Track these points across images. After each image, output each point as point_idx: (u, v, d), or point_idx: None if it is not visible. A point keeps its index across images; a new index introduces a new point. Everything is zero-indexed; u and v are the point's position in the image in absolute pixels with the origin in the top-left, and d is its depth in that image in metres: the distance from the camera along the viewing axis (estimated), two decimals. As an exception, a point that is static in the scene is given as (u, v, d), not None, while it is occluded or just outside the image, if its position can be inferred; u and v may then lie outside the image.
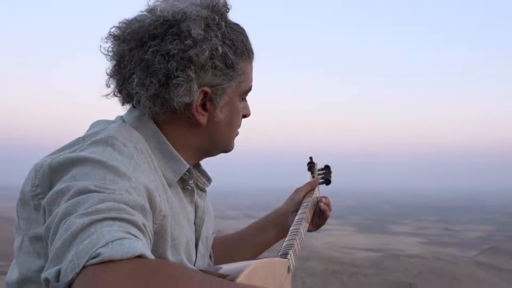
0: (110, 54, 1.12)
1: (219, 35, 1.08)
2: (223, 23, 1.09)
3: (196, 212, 1.23)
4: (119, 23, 1.11)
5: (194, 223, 1.22)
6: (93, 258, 0.70)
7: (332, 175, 1.89)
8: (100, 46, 1.12)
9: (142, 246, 0.75)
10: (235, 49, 1.11)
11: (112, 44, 1.11)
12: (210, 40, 1.06)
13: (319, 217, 1.68)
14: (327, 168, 1.91)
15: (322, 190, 1.87)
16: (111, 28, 1.11)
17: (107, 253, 0.70)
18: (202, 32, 1.05)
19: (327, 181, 1.88)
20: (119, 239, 0.73)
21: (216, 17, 1.09)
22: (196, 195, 1.23)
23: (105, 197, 0.82)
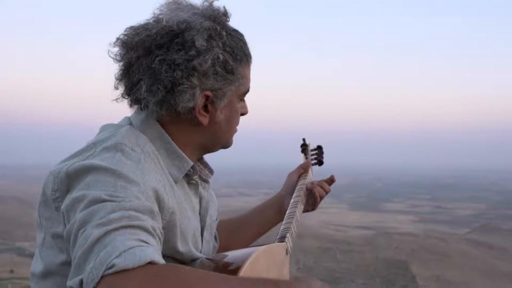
0: (118, 58, 1.20)
1: (220, 44, 1.16)
2: (224, 33, 1.17)
3: (200, 203, 1.33)
4: (127, 30, 1.20)
5: (199, 213, 1.33)
6: (109, 268, 0.81)
7: (324, 155, 1.93)
8: (109, 50, 1.21)
9: (152, 251, 0.85)
10: (234, 56, 1.20)
11: (119, 50, 1.19)
12: (213, 50, 1.15)
13: (314, 197, 1.74)
14: (319, 148, 1.94)
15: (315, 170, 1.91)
16: (120, 35, 1.20)
17: (121, 263, 0.81)
18: (205, 44, 1.13)
19: (320, 162, 1.92)
20: (131, 248, 0.84)
21: (218, 28, 1.17)
22: (200, 187, 1.33)
23: (116, 206, 0.92)
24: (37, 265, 1.15)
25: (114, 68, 1.23)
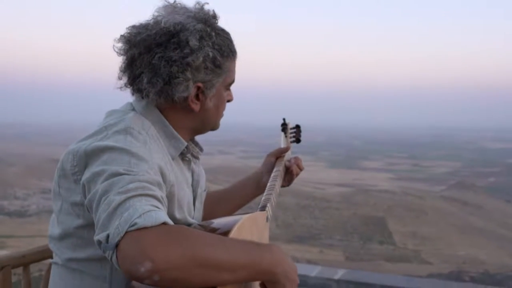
0: (122, 52, 1.39)
1: (210, 43, 1.37)
2: (213, 33, 1.38)
3: (193, 176, 1.54)
4: (129, 28, 1.39)
5: (192, 185, 1.54)
6: (132, 226, 1.01)
7: (301, 134, 2.14)
8: (113, 45, 1.40)
9: (164, 215, 1.07)
10: (222, 53, 1.40)
11: (123, 45, 1.39)
12: (204, 48, 1.35)
13: (290, 174, 1.95)
14: (297, 127, 2.14)
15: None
16: (123, 33, 1.39)
17: (141, 222, 1.01)
18: (197, 43, 1.34)
19: (297, 140, 2.11)
20: (148, 211, 1.04)
21: (208, 29, 1.37)
22: (192, 163, 1.54)
23: (132, 179, 1.12)
24: (54, 229, 1.37)
25: (118, 60, 1.42)
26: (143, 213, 1.03)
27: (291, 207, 64.89)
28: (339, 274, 3.81)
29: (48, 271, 1.85)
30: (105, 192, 1.11)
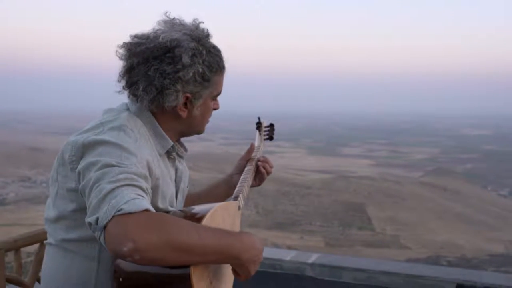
0: (123, 58, 1.55)
1: (201, 61, 1.52)
2: (205, 52, 1.54)
3: (176, 173, 1.72)
4: (131, 37, 1.55)
5: (175, 181, 1.71)
6: (118, 211, 1.17)
7: (274, 132, 2.29)
8: (116, 50, 1.55)
9: (147, 203, 1.23)
10: (211, 68, 1.56)
11: (124, 52, 1.54)
12: (194, 65, 1.51)
13: (261, 175, 2.10)
14: (271, 126, 2.29)
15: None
16: (126, 41, 1.55)
17: (126, 208, 1.17)
18: (189, 60, 1.50)
19: (271, 138, 2.26)
20: (133, 199, 1.20)
21: (200, 48, 1.53)
22: (176, 161, 1.71)
23: (122, 170, 1.28)
24: (50, 212, 1.52)
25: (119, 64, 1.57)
26: (129, 200, 1.19)
27: (271, 194, 65.12)
28: (313, 258, 3.97)
29: (40, 252, 2.04)
30: (98, 180, 1.26)
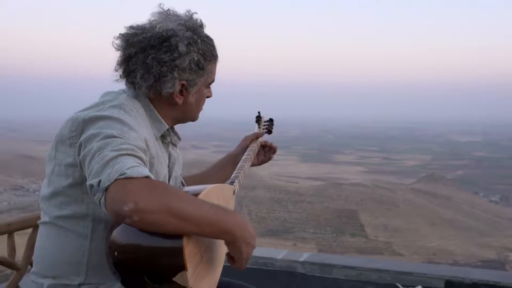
0: (120, 49, 1.59)
1: (196, 49, 1.58)
2: (199, 41, 1.59)
3: (169, 159, 1.74)
4: (128, 28, 1.59)
5: (168, 166, 1.72)
6: (121, 175, 1.21)
7: (274, 127, 2.34)
8: (113, 41, 1.60)
9: (148, 171, 1.27)
10: (205, 57, 1.62)
11: (121, 43, 1.59)
12: (190, 53, 1.57)
13: (264, 155, 2.22)
14: (271, 120, 2.35)
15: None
16: (123, 32, 1.59)
17: (129, 173, 1.21)
18: (185, 49, 1.55)
19: (269, 131, 2.32)
20: (136, 166, 1.25)
21: (195, 37, 1.58)
22: (170, 148, 1.74)
23: (124, 141, 1.32)
24: (45, 189, 1.54)
25: (115, 55, 1.62)
26: (131, 167, 1.23)
27: (264, 201, 65.06)
28: (304, 256, 4.04)
29: (33, 235, 2.07)
30: (100, 149, 1.30)
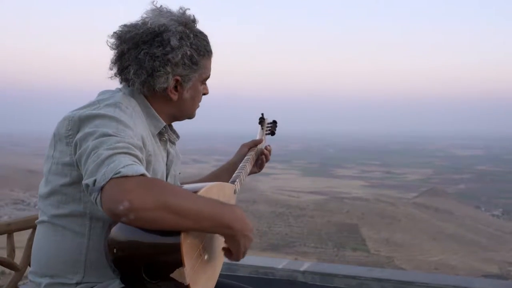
0: (113, 47, 1.59)
1: (188, 43, 1.57)
2: (192, 35, 1.59)
3: (167, 157, 1.72)
4: (121, 26, 1.59)
5: (166, 164, 1.71)
6: (116, 174, 1.20)
7: (277, 129, 2.36)
8: (107, 40, 1.60)
9: (143, 169, 1.26)
10: (198, 52, 1.60)
11: (115, 41, 1.59)
12: (183, 47, 1.55)
13: (262, 161, 2.18)
14: (274, 122, 2.37)
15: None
16: (116, 30, 1.59)
17: (124, 171, 1.21)
18: (177, 43, 1.54)
19: (272, 133, 2.34)
20: (131, 164, 1.24)
21: (187, 31, 1.58)
22: (168, 145, 1.72)
23: (120, 140, 1.31)
24: (43, 188, 1.53)
25: (110, 54, 1.62)
26: (127, 165, 1.22)
27: (265, 215, 64.99)
28: (305, 266, 4.00)
29: (33, 236, 2.06)
30: (95, 148, 1.29)
